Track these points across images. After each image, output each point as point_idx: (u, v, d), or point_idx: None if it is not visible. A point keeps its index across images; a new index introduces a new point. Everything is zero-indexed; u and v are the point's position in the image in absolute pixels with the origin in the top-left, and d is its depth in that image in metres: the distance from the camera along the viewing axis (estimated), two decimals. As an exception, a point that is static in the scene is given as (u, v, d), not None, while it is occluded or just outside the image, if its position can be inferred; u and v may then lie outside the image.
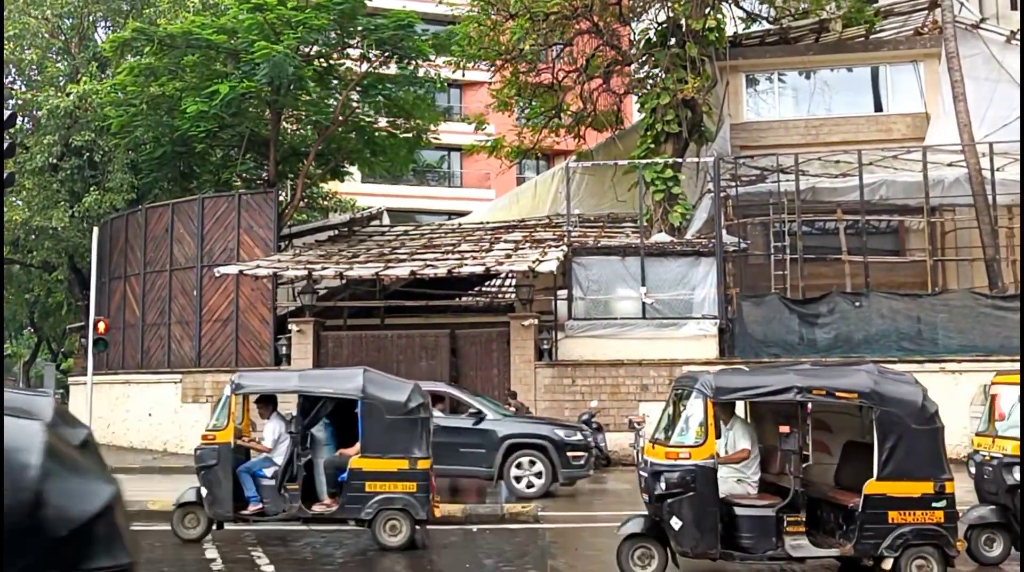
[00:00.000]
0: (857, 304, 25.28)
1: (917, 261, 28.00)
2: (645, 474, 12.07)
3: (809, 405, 12.07)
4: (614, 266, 26.40)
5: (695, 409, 11.67)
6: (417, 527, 14.73)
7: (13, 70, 36.89)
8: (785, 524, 11.53)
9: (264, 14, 28.34)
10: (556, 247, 27.28)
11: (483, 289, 37.64)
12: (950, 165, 27.58)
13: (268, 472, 15.17)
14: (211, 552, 14.66)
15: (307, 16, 28.27)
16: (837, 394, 11.47)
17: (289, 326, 27.70)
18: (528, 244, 28.83)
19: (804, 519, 11.70)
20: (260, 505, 15.00)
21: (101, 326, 27.96)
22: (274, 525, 16.49)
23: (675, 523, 11.40)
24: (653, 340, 25.47)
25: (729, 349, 25.46)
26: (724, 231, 26.43)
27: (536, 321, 26.04)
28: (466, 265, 26.27)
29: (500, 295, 36.42)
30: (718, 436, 11.98)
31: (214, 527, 15.29)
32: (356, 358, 27.23)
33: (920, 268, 27.46)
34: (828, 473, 12.59)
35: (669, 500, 11.46)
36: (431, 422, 15.36)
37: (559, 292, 27.20)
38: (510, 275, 32.26)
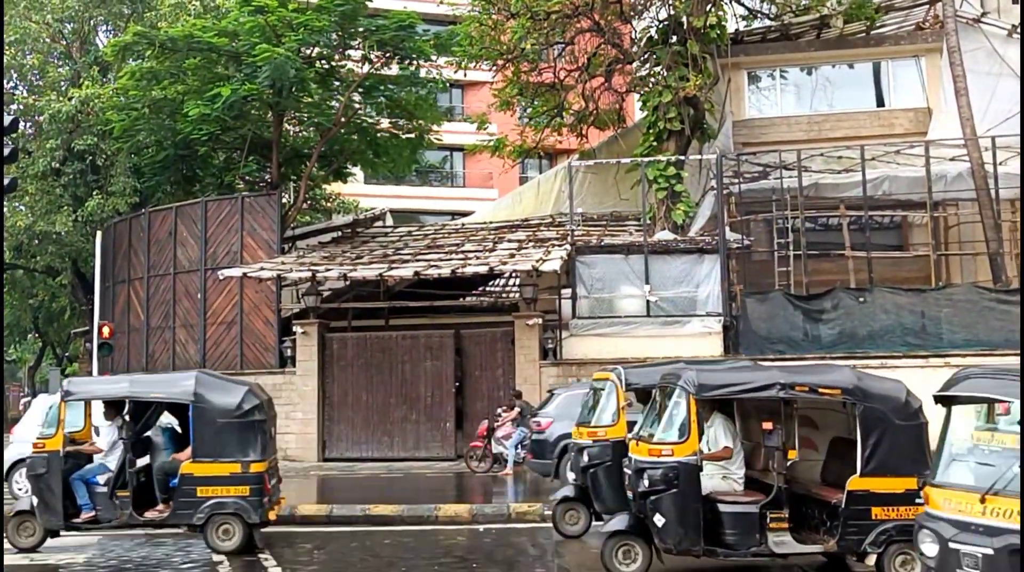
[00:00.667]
0: (861, 300, 25.26)
1: (920, 256, 27.98)
2: (630, 471, 12.12)
3: (796, 402, 12.08)
4: (618, 264, 26.39)
5: (678, 406, 11.70)
6: (253, 530, 14.67)
7: (15, 75, 36.92)
8: (768, 520, 11.55)
9: (265, 16, 28.37)
10: (559, 246, 27.27)
11: (487, 289, 37.68)
12: (952, 160, 27.53)
13: (101, 479, 14.98)
14: (217, 555, 14.68)
15: (308, 18, 28.29)
16: (820, 390, 11.50)
17: (293, 328, 27.73)
18: (531, 243, 28.83)
19: (787, 515, 11.69)
20: (93, 512, 14.83)
21: (106, 330, 28.00)
22: (281, 527, 16.54)
23: (658, 520, 11.44)
24: (657, 338, 25.44)
25: (734, 346, 25.45)
26: (727, 228, 26.42)
27: (540, 320, 26.05)
28: (470, 265, 26.28)
29: (504, 295, 36.44)
30: (700, 433, 12.01)
31: (49, 536, 15.11)
32: (361, 359, 27.31)
33: (923, 263, 27.44)
34: (815, 470, 12.59)
35: (652, 497, 11.50)
36: (269, 424, 15.27)
37: (563, 291, 27.21)
38: (514, 275, 32.28)
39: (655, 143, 28.90)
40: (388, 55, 30.99)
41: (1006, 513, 7.93)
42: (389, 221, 38.94)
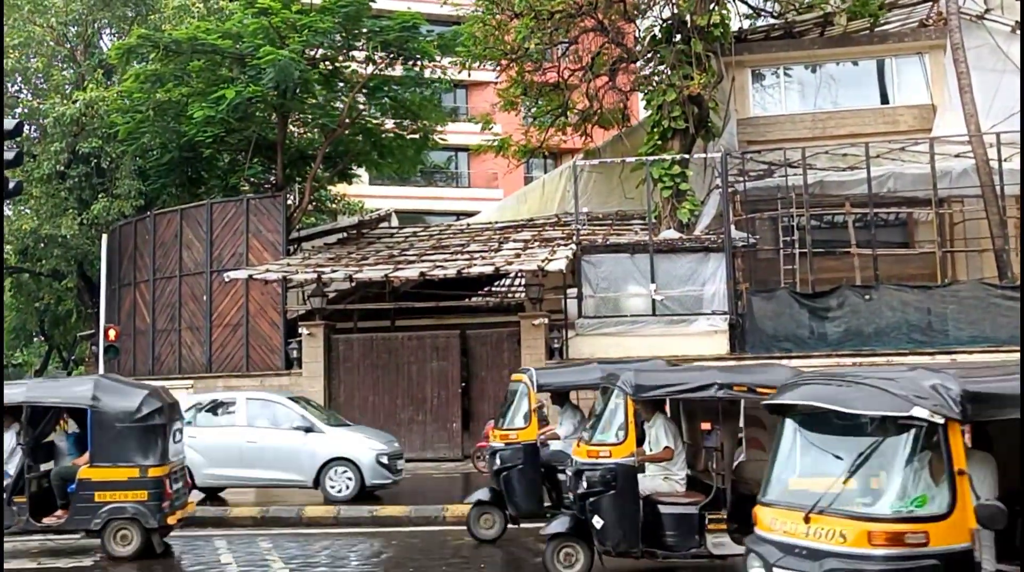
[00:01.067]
0: (867, 297, 25.23)
1: (926, 253, 27.95)
2: (569, 472, 12.14)
3: (740, 402, 12.02)
4: (623, 263, 26.38)
5: (617, 407, 11.71)
6: (154, 534, 14.61)
7: (19, 78, 36.94)
8: (707, 521, 11.55)
9: (269, 18, 28.40)
10: (565, 246, 27.27)
11: (493, 289, 37.65)
12: (957, 156, 27.47)
13: None
14: (226, 557, 14.72)
15: (312, 19, 28.32)
16: (759, 390, 11.34)
17: (299, 329, 27.73)
18: (537, 243, 28.83)
19: (727, 516, 11.67)
20: None
21: (112, 333, 28.02)
22: (289, 529, 16.54)
23: (597, 521, 11.46)
24: (664, 337, 25.42)
25: (740, 344, 25.44)
26: (733, 226, 26.41)
27: (546, 320, 26.02)
28: (475, 265, 26.27)
29: (510, 295, 36.42)
30: (641, 434, 12.02)
31: None
32: (367, 360, 27.32)
33: (929, 260, 27.40)
34: (762, 470, 12.56)
35: (591, 498, 11.51)
36: (173, 427, 15.20)
37: (569, 290, 27.17)
38: (519, 274, 32.27)
39: (660, 142, 28.85)
40: (392, 56, 30.99)
41: (830, 534, 7.38)
42: (394, 222, 38.96)
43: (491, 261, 26.52)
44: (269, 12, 28.18)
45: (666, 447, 12.28)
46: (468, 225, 35.69)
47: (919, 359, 23.59)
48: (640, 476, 11.80)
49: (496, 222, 34.94)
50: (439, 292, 29.15)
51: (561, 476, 14.96)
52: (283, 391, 24.03)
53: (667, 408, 13.17)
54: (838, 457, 7.86)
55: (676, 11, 29.06)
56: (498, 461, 15.15)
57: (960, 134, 26.77)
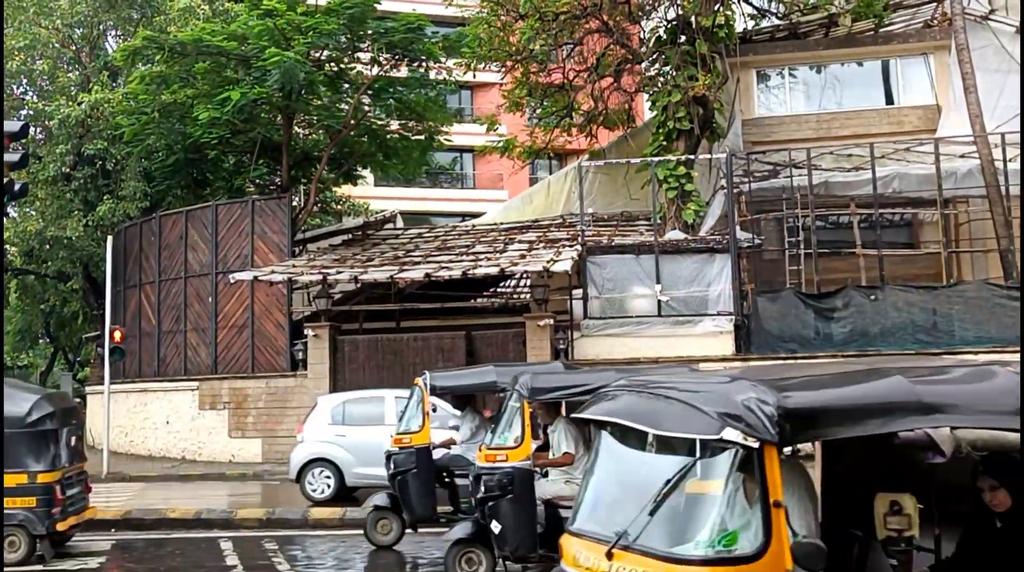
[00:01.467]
0: (872, 297, 25.22)
1: (931, 253, 27.94)
2: (471, 477, 12.13)
3: None
4: (629, 264, 26.37)
5: (515, 411, 11.75)
6: (39, 541, 14.43)
7: (24, 80, 36.96)
8: None
9: (274, 20, 28.36)
10: (570, 246, 27.25)
11: (498, 290, 37.63)
12: (962, 157, 27.46)
13: None
14: (231, 559, 14.73)
15: (317, 21, 28.30)
16: None
17: (305, 331, 27.73)
18: (542, 244, 28.81)
19: None
20: None
21: (117, 335, 28.00)
22: (295, 531, 16.57)
23: (495, 526, 11.41)
24: (669, 338, 25.43)
25: (745, 345, 25.42)
26: (738, 227, 26.39)
27: (552, 321, 26.01)
28: (481, 266, 26.26)
29: (515, 295, 36.39)
30: (544, 438, 12.02)
31: None
32: (373, 361, 27.28)
33: (934, 260, 27.40)
34: None
35: (489, 503, 11.48)
36: (66, 432, 14.99)
37: (574, 291, 27.19)
38: (525, 275, 32.25)
39: (665, 143, 28.86)
40: (397, 57, 30.95)
41: None
42: (399, 223, 38.96)
43: (496, 262, 26.50)
44: (274, 14, 28.16)
45: (565, 452, 12.19)
46: (473, 226, 35.63)
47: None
48: (543, 480, 11.83)
49: (501, 223, 34.91)
50: (444, 293, 29.12)
51: (459, 481, 14.97)
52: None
53: (563, 410, 13.10)
54: (649, 482, 6.21)
55: (681, 12, 29.10)
56: (392, 465, 15.06)
57: (965, 134, 26.75)
